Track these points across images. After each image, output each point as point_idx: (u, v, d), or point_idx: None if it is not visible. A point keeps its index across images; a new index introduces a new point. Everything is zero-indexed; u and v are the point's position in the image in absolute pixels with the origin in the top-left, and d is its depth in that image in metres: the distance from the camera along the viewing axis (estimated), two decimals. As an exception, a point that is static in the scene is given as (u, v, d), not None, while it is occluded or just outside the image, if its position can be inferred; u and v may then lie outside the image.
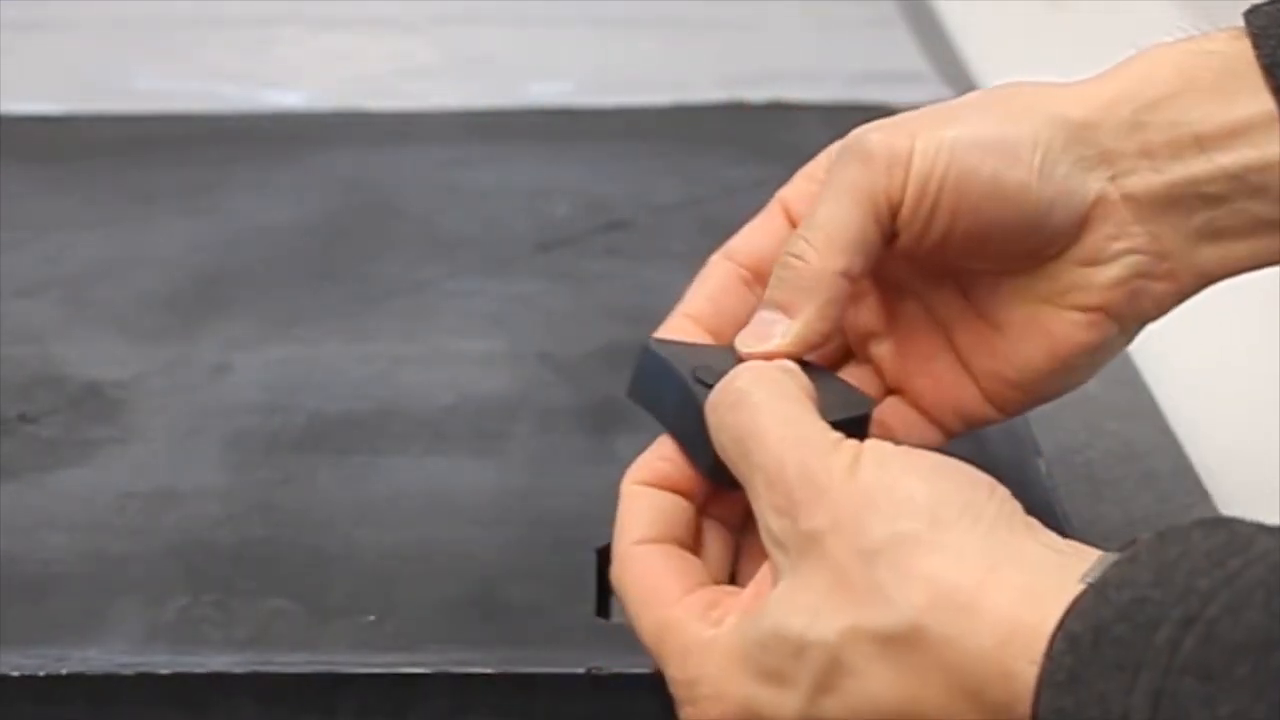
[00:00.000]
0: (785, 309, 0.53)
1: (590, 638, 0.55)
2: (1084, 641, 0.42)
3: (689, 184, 0.88)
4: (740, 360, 0.53)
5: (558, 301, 0.77)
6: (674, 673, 0.49)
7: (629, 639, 0.55)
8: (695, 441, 0.52)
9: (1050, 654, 0.42)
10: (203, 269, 0.80)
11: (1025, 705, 0.43)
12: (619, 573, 0.51)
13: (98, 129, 0.96)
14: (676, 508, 0.52)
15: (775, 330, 0.53)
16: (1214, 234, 0.54)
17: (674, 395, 0.53)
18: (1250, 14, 0.54)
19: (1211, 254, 0.54)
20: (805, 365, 0.53)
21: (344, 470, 0.65)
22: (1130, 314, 0.55)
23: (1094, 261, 0.54)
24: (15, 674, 0.54)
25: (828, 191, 0.53)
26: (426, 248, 0.82)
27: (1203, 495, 0.66)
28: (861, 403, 0.54)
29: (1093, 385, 0.71)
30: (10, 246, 0.82)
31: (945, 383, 0.57)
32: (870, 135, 0.54)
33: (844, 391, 0.55)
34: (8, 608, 0.57)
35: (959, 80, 1.02)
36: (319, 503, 0.63)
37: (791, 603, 0.47)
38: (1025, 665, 0.43)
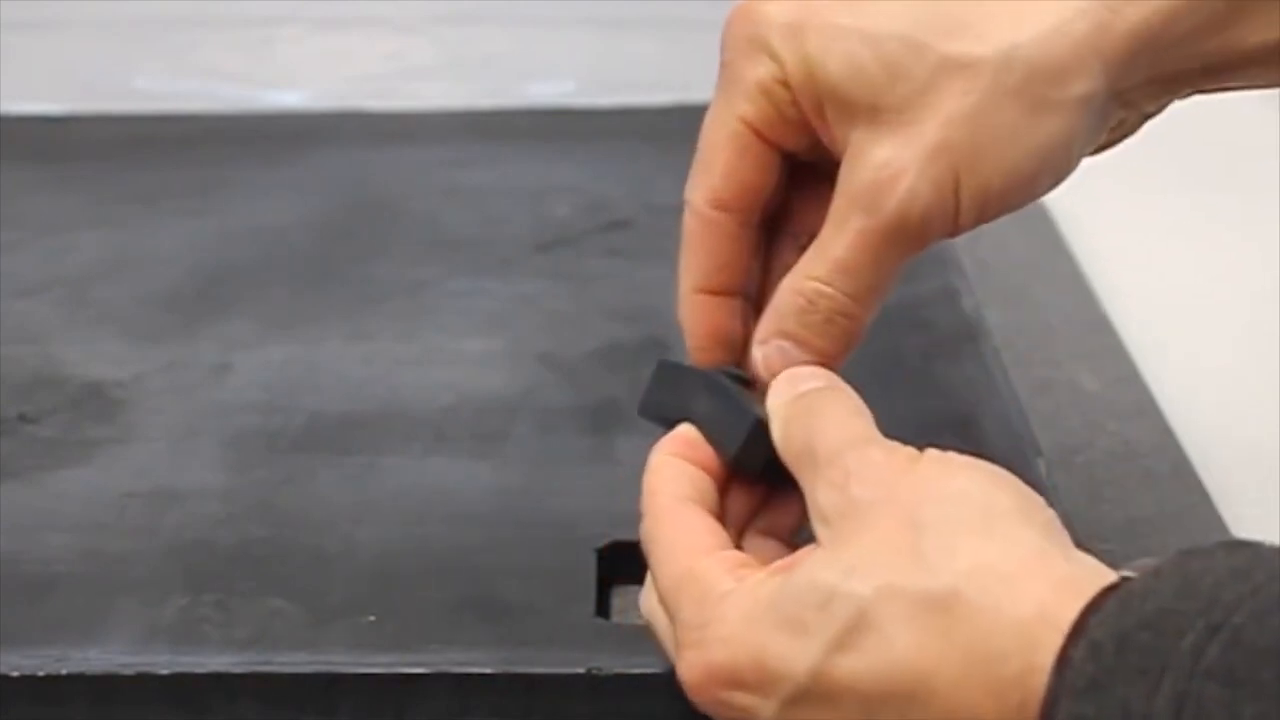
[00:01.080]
0: (806, 347, 0.53)
1: (590, 638, 0.55)
2: (1106, 649, 0.42)
3: (689, 184, 0.88)
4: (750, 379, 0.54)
5: (558, 301, 0.77)
6: (686, 615, 0.49)
7: (629, 639, 0.55)
8: (729, 432, 0.52)
9: (1072, 662, 0.42)
10: (203, 269, 0.80)
11: (1042, 675, 0.43)
12: (653, 524, 0.51)
13: (98, 129, 0.96)
14: (706, 481, 0.52)
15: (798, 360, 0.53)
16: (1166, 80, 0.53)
17: (705, 393, 0.53)
18: None
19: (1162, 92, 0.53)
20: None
21: (344, 470, 0.65)
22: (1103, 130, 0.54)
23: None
24: (15, 674, 0.54)
25: (857, 238, 0.52)
26: (426, 248, 0.82)
27: (1203, 495, 0.66)
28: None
29: (1093, 385, 0.71)
30: (10, 246, 0.82)
31: None
32: (903, 185, 0.51)
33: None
34: (8, 608, 0.57)
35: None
36: (319, 503, 0.63)
37: (830, 557, 0.47)
38: (1053, 635, 0.43)
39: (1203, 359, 0.73)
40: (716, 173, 0.55)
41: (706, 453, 0.53)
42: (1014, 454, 0.64)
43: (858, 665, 0.45)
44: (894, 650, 0.45)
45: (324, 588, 0.58)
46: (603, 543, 0.59)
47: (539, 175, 0.90)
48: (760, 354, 0.54)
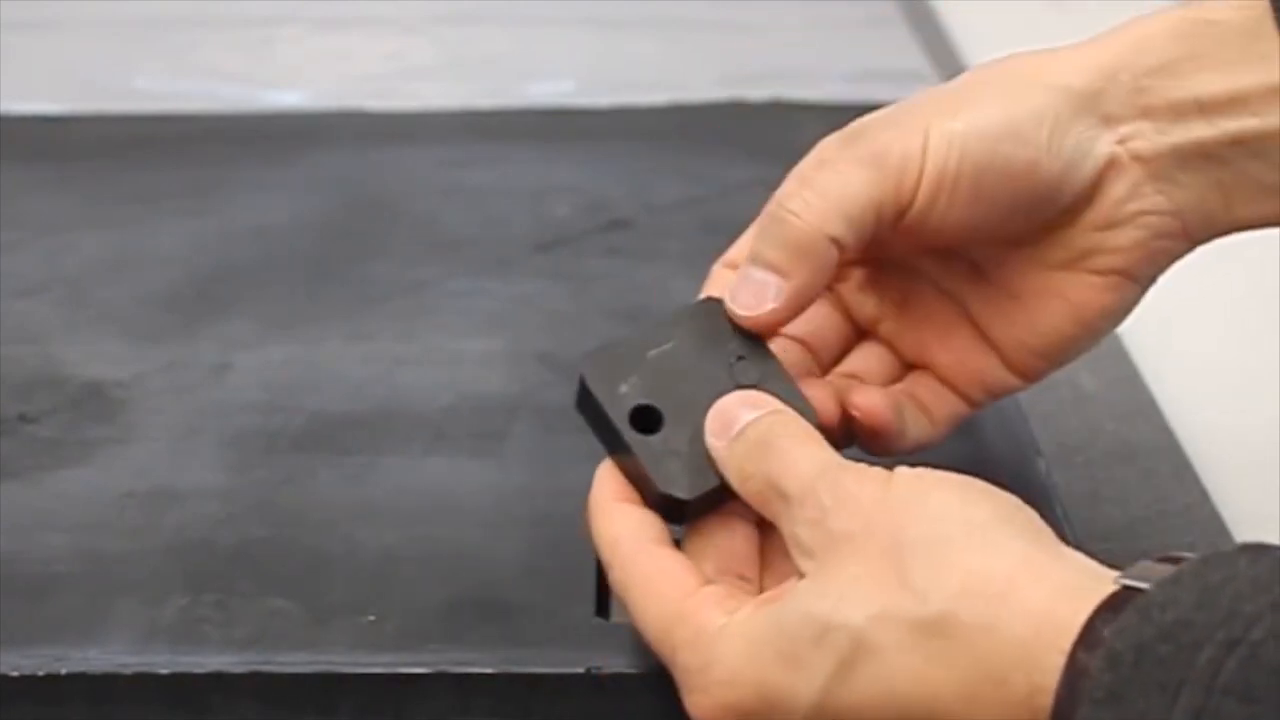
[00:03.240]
0: (777, 269, 0.53)
1: (590, 638, 0.55)
2: (1125, 660, 0.42)
3: (689, 184, 0.88)
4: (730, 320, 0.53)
5: (558, 301, 0.77)
6: (685, 659, 0.49)
7: (629, 639, 0.55)
8: (640, 481, 0.53)
9: (1090, 671, 0.42)
10: (203, 269, 0.80)
11: (1047, 696, 0.43)
12: (625, 573, 0.51)
13: (98, 129, 0.96)
14: (657, 521, 0.52)
15: (769, 293, 0.53)
16: (1224, 194, 0.54)
17: (612, 440, 0.53)
18: None
19: (1223, 212, 0.54)
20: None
21: (344, 470, 0.65)
22: (1148, 272, 0.55)
23: (1110, 225, 0.54)
24: (15, 674, 0.54)
25: (835, 174, 0.53)
26: (426, 248, 0.82)
27: (1203, 495, 0.66)
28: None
29: (1093, 385, 0.71)
30: (10, 246, 0.82)
31: (965, 355, 0.56)
32: (881, 135, 0.53)
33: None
34: (8, 608, 0.57)
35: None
36: (319, 503, 0.63)
37: (817, 589, 0.47)
38: (1055, 656, 0.43)
39: (1203, 359, 0.73)
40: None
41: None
42: (1014, 454, 0.64)
43: (861, 694, 0.46)
44: (895, 677, 0.45)
45: (324, 588, 0.58)
46: (603, 543, 0.59)
47: (539, 175, 0.90)
48: (732, 298, 0.54)
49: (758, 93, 0.99)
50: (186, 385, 0.70)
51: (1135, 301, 0.56)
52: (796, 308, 0.53)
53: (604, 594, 0.58)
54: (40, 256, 0.81)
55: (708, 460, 0.52)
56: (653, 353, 0.54)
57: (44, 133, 0.96)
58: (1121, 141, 0.54)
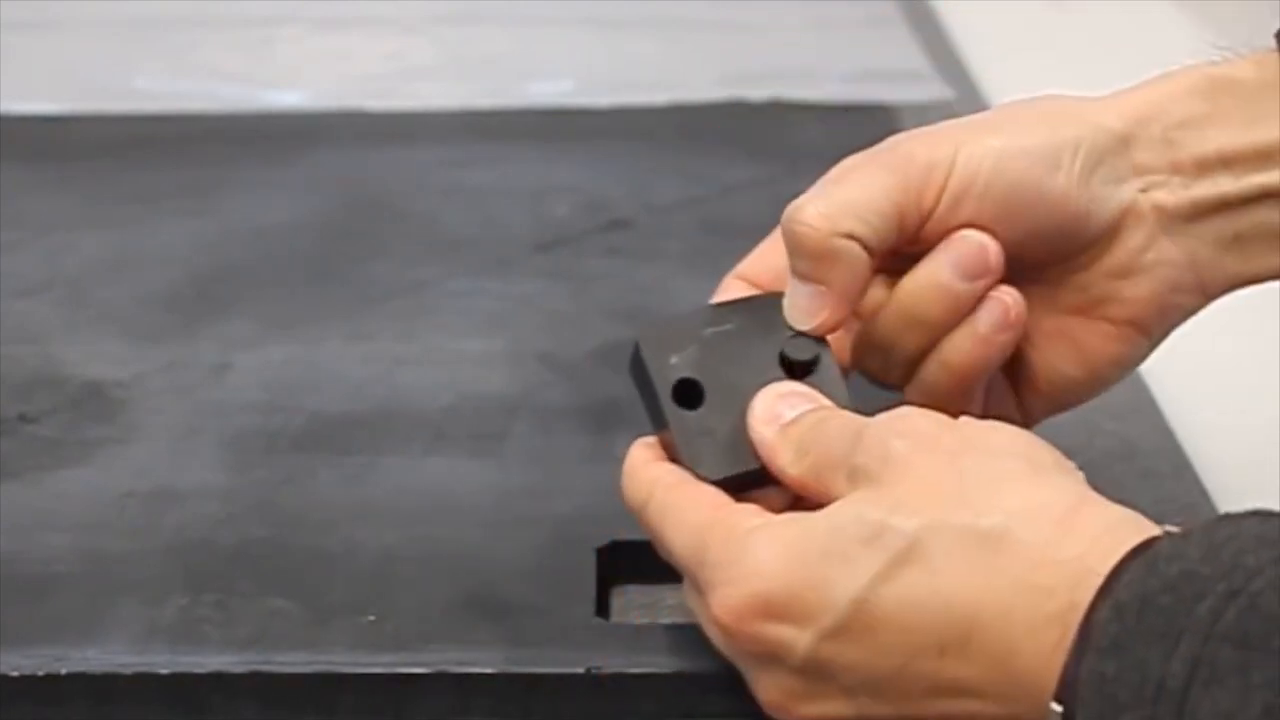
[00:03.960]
0: (812, 279, 0.53)
1: (590, 638, 0.55)
2: (1130, 610, 0.43)
3: (689, 184, 0.88)
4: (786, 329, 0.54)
5: (558, 301, 0.77)
6: (715, 556, 0.49)
7: (629, 639, 0.55)
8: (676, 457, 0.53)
9: (1097, 620, 0.43)
10: (203, 269, 0.80)
11: (1078, 613, 0.44)
12: (663, 496, 0.52)
13: (98, 129, 0.96)
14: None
15: (817, 303, 0.53)
16: (1241, 245, 0.55)
17: (655, 411, 0.54)
18: None
19: (1238, 263, 0.55)
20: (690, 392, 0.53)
21: (344, 470, 0.65)
22: (1160, 326, 0.56)
23: (1125, 274, 0.55)
24: (15, 674, 0.54)
25: (855, 177, 0.54)
26: (426, 248, 0.82)
27: (1203, 495, 0.66)
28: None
29: (1093, 385, 0.71)
30: (10, 246, 0.82)
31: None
32: (909, 142, 0.54)
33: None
34: (8, 608, 0.57)
35: (959, 80, 1.02)
36: (319, 503, 0.63)
37: (873, 496, 0.48)
38: (1094, 579, 0.44)
39: (1203, 359, 0.73)
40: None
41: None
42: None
43: (903, 596, 0.46)
44: (940, 583, 0.46)
45: (324, 588, 0.58)
46: (603, 543, 0.59)
47: (539, 175, 0.90)
48: (790, 313, 0.54)
49: (758, 93, 0.99)
50: (186, 385, 0.70)
51: (1144, 356, 0.57)
52: (846, 309, 0.54)
53: (604, 594, 0.58)
54: (40, 256, 0.81)
55: (742, 444, 0.52)
56: (709, 331, 0.54)
57: (44, 133, 0.96)
58: (1145, 189, 0.55)
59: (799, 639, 0.47)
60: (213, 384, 0.71)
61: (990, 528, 0.46)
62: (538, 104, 1.00)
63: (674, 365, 0.53)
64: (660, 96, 0.99)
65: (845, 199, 0.53)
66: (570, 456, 0.65)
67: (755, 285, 0.57)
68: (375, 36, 1.11)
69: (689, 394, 0.53)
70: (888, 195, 0.53)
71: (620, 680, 0.54)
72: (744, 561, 0.48)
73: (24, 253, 0.82)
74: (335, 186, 0.88)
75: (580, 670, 0.54)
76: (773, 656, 0.48)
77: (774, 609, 0.47)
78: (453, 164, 0.91)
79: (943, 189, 0.53)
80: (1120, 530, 0.45)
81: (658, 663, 0.54)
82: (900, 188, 0.53)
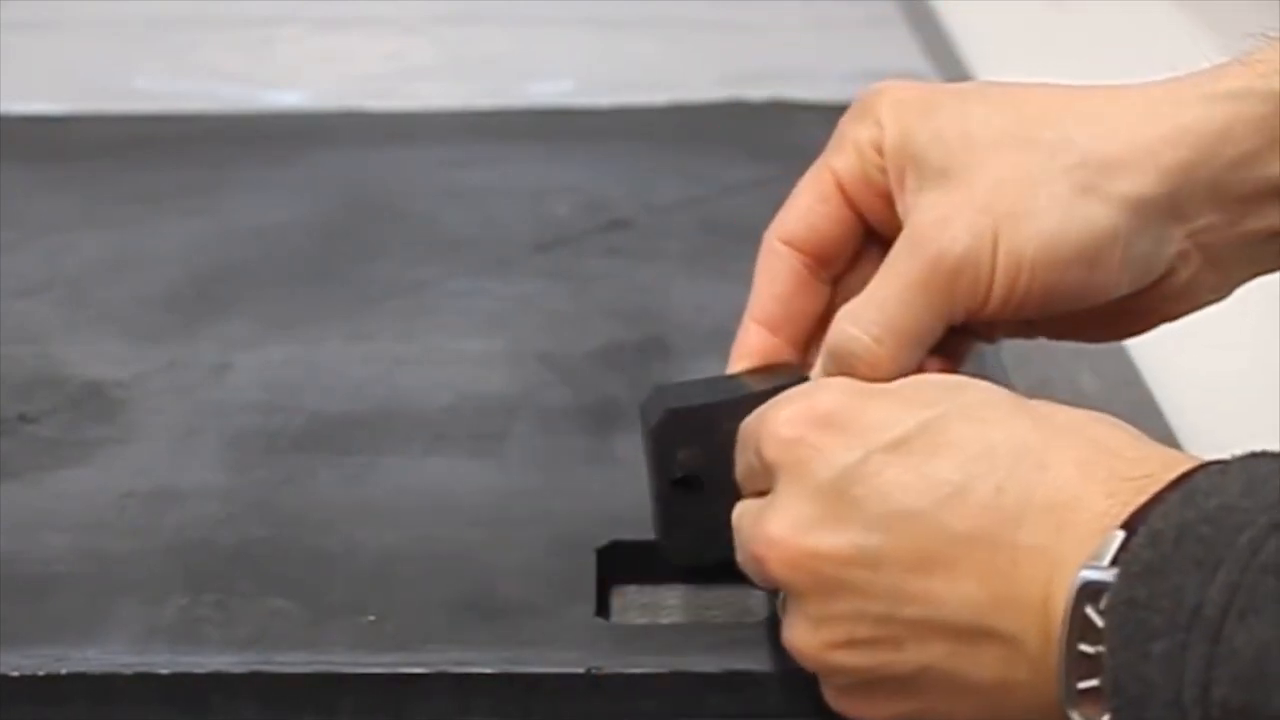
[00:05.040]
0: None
1: (590, 638, 0.55)
2: (1166, 538, 0.43)
3: (689, 184, 0.88)
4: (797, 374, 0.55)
5: (558, 301, 0.77)
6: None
7: (629, 639, 0.55)
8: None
9: (1129, 547, 0.43)
10: (203, 269, 0.80)
11: (1159, 484, 0.45)
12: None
13: (98, 129, 0.96)
14: None
15: None
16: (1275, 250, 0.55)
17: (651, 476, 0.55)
18: None
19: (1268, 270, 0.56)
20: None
21: (344, 470, 0.65)
22: (1189, 312, 0.57)
23: (1166, 299, 0.55)
24: (15, 674, 0.54)
25: (896, 280, 0.53)
26: (426, 248, 0.82)
27: (1203, 495, 0.66)
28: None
29: (1093, 385, 0.71)
30: (10, 246, 0.82)
31: None
32: (946, 233, 0.53)
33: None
34: (8, 608, 0.57)
35: (959, 80, 1.01)
36: (319, 503, 0.63)
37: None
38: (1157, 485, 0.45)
39: (1203, 360, 0.73)
40: (792, 211, 0.57)
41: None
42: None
43: (975, 430, 0.48)
44: (1013, 427, 0.47)
45: (324, 588, 0.58)
46: (603, 543, 0.59)
47: (539, 175, 0.90)
48: None
49: (758, 93, 0.99)
50: (186, 385, 0.70)
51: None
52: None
53: (604, 594, 0.58)
54: (40, 256, 0.81)
55: (722, 535, 0.53)
56: (727, 427, 0.54)
57: (44, 133, 0.96)
58: (1191, 235, 0.54)
59: (847, 451, 0.48)
60: (213, 384, 0.71)
61: (1068, 420, 0.48)
62: (538, 104, 1.00)
63: (680, 460, 0.54)
64: (660, 96, 0.99)
65: (900, 326, 0.53)
66: (570, 457, 0.65)
67: (803, 252, 0.56)
68: (375, 36, 1.11)
69: (687, 480, 0.55)
70: (935, 316, 0.53)
71: (620, 680, 0.54)
72: (809, 392, 0.51)
73: (24, 253, 0.82)
74: (335, 186, 0.88)
75: (580, 670, 0.54)
76: (804, 469, 0.49)
77: (834, 420, 0.49)
78: (453, 164, 0.91)
79: (985, 302, 0.53)
80: (1173, 462, 0.46)
81: (658, 663, 0.54)
82: (947, 305, 0.53)
